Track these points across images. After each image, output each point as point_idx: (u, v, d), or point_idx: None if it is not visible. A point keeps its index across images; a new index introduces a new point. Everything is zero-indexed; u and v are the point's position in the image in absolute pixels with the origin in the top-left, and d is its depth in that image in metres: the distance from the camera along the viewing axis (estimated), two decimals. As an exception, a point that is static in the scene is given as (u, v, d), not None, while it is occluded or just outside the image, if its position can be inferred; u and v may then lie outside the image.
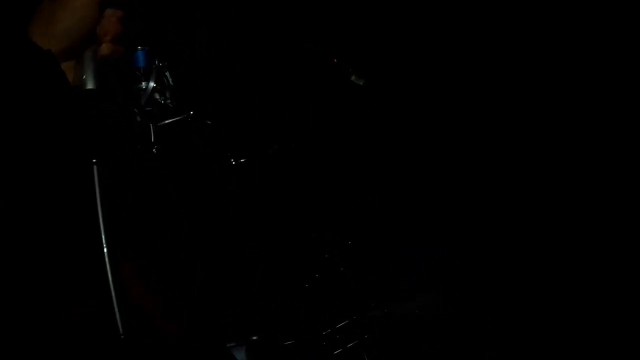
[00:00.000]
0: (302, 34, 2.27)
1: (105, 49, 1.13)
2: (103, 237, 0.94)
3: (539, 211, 2.53)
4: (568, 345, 2.35)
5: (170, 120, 1.44)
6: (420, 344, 2.30)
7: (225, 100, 1.82)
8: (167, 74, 1.44)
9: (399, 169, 2.54)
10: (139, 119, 1.39)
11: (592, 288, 2.43)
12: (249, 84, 2.02)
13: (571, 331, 2.36)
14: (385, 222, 2.49)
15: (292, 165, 2.10)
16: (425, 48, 2.52)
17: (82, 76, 1.12)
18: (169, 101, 1.44)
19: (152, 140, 1.40)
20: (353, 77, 2.13)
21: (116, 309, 1.01)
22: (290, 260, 2.15)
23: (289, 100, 2.19)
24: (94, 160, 1.00)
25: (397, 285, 2.41)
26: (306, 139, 2.21)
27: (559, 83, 2.51)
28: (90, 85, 1.12)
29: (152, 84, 1.40)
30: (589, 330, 2.34)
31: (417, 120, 2.53)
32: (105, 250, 0.94)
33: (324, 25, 2.35)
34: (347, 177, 2.41)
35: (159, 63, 1.42)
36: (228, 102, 1.83)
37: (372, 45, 2.49)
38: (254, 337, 1.88)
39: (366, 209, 2.47)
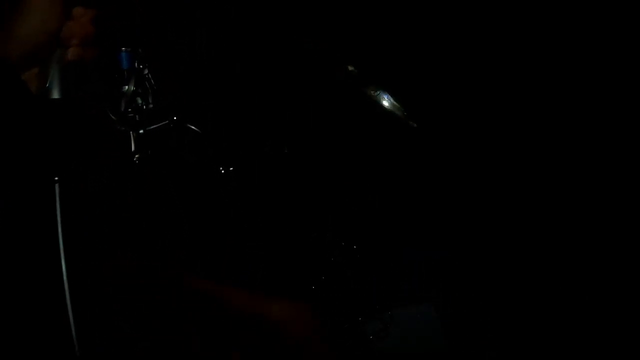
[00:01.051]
0: (301, 34, 2.18)
1: (72, 53, 1.00)
2: (63, 260, 0.82)
3: (539, 211, 2.46)
4: (568, 345, 2.27)
5: (152, 127, 1.32)
6: (422, 344, 2.26)
7: (213, 103, 1.71)
8: (149, 76, 1.31)
9: (399, 169, 2.46)
10: (118, 126, 1.27)
11: (592, 288, 2.36)
12: (239, 86, 1.92)
13: (571, 331, 2.29)
14: (385, 222, 2.42)
15: (292, 165, 2.02)
16: (423, 47, 2.43)
17: (46, 84, 0.99)
18: (151, 106, 1.32)
19: (133, 149, 1.28)
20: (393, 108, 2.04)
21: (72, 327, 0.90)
22: (291, 261, 2.08)
23: (284, 102, 2.10)
24: (56, 178, 0.88)
25: (397, 286, 2.36)
26: (304, 139, 2.12)
27: (558, 83, 2.43)
28: (55, 95, 1.00)
29: (132, 88, 1.28)
30: (589, 330, 2.27)
31: (417, 120, 2.44)
32: (64, 273, 0.82)
33: (324, 25, 2.27)
34: (347, 178, 2.34)
35: (139, 65, 1.30)
36: (216, 106, 1.72)
37: (373, 44, 2.40)
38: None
39: (366, 209, 2.40)
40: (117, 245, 1.27)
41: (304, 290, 2.03)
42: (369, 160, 2.35)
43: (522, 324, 2.35)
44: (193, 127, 1.37)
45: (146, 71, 1.31)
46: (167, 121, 1.33)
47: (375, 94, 2.10)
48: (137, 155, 1.27)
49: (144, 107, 1.30)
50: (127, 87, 1.28)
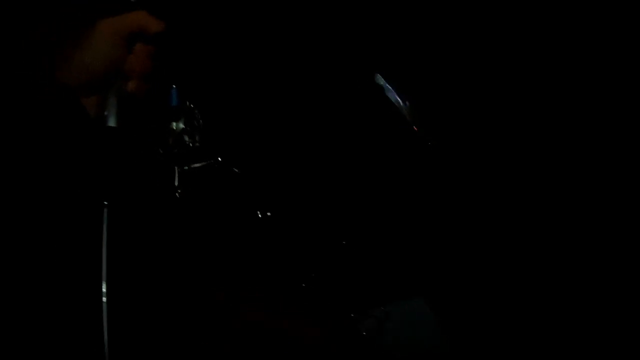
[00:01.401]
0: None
1: (131, 85, 1.04)
2: (104, 285, 0.83)
3: (538, 211, 2.36)
4: (568, 346, 2.16)
5: (196, 165, 1.34)
6: (418, 339, 2.20)
7: (256, 146, 1.73)
8: (198, 115, 1.34)
9: (399, 170, 2.39)
10: (163, 160, 1.30)
11: (592, 288, 2.25)
12: (287, 132, 1.94)
13: (571, 331, 2.18)
14: (383, 221, 2.35)
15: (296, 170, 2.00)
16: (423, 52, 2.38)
17: (104, 112, 1.03)
18: (197, 145, 1.34)
19: (176, 184, 1.30)
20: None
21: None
22: (288, 258, 2.04)
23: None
24: (105, 203, 0.90)
25: (388, 282, 2.32)
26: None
27: (556, 85, 2.35)
28: (111, 123, 1.03)
29: (181, 125, 1.31)
30: (589, 331, 2.15)
31: (416, 120, 2.38)
32: (104, 300, 0.83)
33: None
34: (346, 178, 2.29)
35: (189, 104, 1.33)
36: (260, 149, 1.74)
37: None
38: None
39: (364, 209, 2.35)
40: (158, 273, 1.29)
41: (294, 288, 2.00)
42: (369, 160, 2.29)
43: (522, 324, 2.25)
44: (235, 170, 1.39)
45: (196, 110, 1.33)
46: (211, 161, 1.35)
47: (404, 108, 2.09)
48: (179, 191, 1.29)
49: (191, 145, 1.32)
50: (175, 124, 1.31)
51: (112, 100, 1.03)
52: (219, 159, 1.34)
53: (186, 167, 1.32)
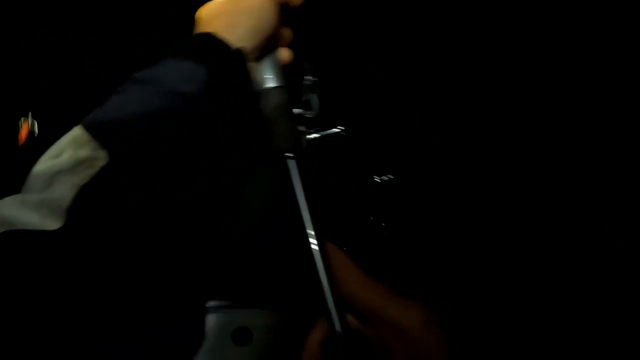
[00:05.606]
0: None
1: (284, 53, 1.13)
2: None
3: (537, 212, 2.21)
4: (568, 346, 2.05)
5: (317, 135, 1.35)
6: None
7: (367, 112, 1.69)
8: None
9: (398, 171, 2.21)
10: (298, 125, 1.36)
11: (592, 288, 2.12)
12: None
13: (571, 331, 2.06)
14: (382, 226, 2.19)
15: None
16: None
17: (264, 76, 1.11)
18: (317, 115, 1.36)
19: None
20: None
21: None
22: None
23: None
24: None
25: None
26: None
27: (553, 87, 2.23)
28: (272, 84, 1.12)
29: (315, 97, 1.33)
30: (589, 331, 2.05)
31: (414, 120, 2.28)
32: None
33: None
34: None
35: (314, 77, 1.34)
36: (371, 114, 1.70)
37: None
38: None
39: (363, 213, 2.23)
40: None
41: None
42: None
43: (521, 324, 2.07)
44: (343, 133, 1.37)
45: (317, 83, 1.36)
46: (337, 130, 1.34)
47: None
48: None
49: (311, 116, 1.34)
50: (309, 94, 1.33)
51: (270, 65, 1.11)
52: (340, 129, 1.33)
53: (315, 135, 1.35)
